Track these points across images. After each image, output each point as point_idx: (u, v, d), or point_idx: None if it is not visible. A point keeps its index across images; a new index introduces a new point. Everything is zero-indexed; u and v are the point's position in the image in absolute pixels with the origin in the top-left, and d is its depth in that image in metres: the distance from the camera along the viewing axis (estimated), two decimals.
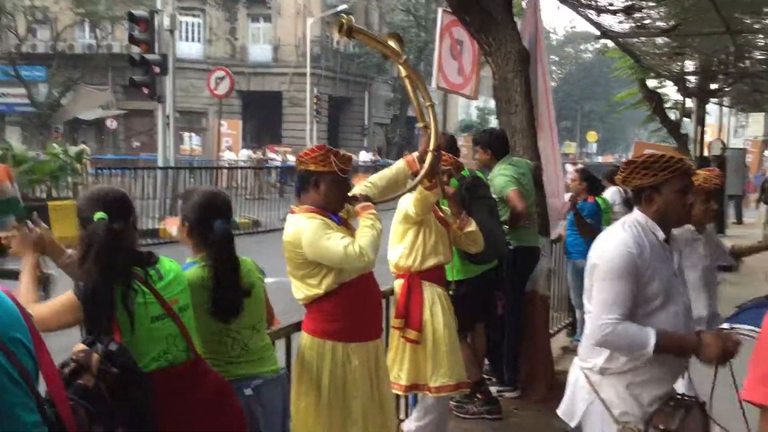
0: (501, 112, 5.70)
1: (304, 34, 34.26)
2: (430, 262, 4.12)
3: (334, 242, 3.08)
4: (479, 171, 5.03)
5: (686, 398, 2.59)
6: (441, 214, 4.27)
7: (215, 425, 2.48)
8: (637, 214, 2.63)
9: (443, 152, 3.88)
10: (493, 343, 5.06)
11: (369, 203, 3.32)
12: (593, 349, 2.61)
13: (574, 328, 7.14)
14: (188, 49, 35.26)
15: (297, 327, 3.37)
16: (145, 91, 13.66)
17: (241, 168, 20.25)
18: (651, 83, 13.61)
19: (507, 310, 5.12)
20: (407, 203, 4.02)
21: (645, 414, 2.53)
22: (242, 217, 15.13)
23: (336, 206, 3.31)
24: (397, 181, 3.71)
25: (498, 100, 5.74)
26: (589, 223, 6.66)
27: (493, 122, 26.64)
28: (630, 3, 7.11)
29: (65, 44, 33.62)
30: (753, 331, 3.17)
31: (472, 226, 4.23)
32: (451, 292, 4.30)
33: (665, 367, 2.52)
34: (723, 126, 21.38)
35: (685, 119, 14.70)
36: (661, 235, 2.58)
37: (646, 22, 7.84)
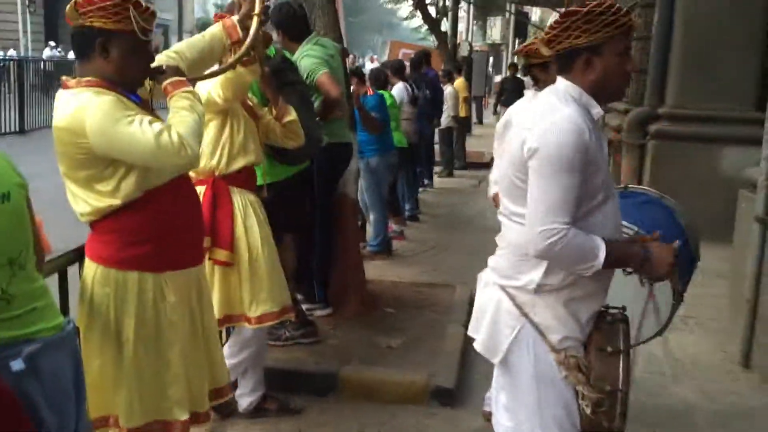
0: None
1: None
2: (239, 162, 3.26)
3: (140, 128, 2.12)
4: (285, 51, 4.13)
5: (614, 311, 2.12)
6: (249, 102, 3.39)
7: None
8: (566, 85, 2.01)
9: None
10: (300, 255, 4.34)
11: (182, 78, 2.37)
12: (523, 263, 2.01)
13: (364, 232, 6.69)
14: None
15: (77, 255, 2.35)
16: None
17: None
18: None
19: (316, 217, 4.42)
20: (211, 86, 3.07)
21: (584, 335, 2.02)
22: None
23: (134, 81, 2.33)
24: (212, 53, 2.79)
25: None
26: (376, 117, 6.16)
27: None
28: None
29: None
30: (630, 228, 2.82)
31: (292, 115, 3.41)
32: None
33: (601, 278, 2.01)
34: (469, 29, 22.24)
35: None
36: (598, 112, 2.00)
37: None
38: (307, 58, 4.18)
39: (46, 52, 25.53)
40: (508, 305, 2.04)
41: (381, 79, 7.05)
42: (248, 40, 2.72)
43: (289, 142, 3.47)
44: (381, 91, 6.83)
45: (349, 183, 4.68)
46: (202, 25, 42.01)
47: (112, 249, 2.29)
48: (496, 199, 3.34)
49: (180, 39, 40.60)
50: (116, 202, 2.24)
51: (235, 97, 3.10)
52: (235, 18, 2.80)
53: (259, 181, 3.55)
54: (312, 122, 3.86)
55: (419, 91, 8.97)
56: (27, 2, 28.29)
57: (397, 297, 5.00)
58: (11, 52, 24.68)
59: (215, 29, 2.80)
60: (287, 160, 3.75)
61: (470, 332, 2.21)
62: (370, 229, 6.45)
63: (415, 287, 5.28)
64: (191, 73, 2.62)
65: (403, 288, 5.25)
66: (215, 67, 2.87)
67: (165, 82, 2.33)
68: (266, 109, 3.47)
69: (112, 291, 2.29)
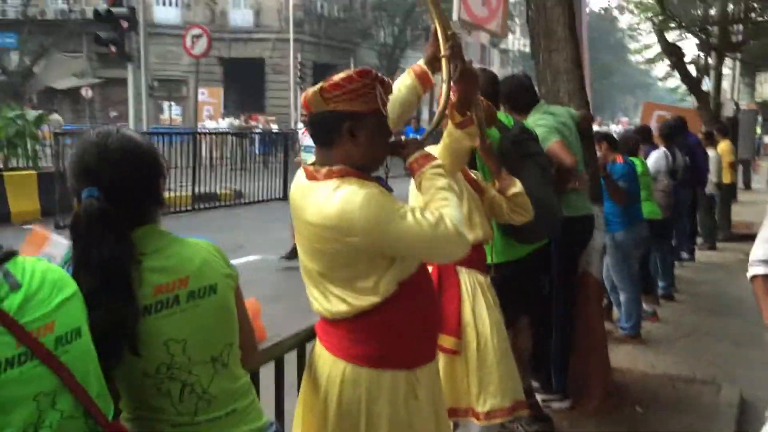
0: (538, 50, 4.57)
1: None
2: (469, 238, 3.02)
3: (414, 220, 1.95)
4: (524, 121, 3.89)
5: None
6: (471, 174, 3.16)
7: None
8: None
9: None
10: (537, 339, 3.98)
11: (427, 151, 2.19)
12: None
13: (609, 312, 6.10)
14: (166, 13, 33.81)
15: (298, 342, 2.26)
16: (113, 49, 12.32)
17: (217, 133, 18.76)
18: (669, 37, 12.47)
19: (555, 297, 4.05)
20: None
21: None
22: (224, 188, 14.05)
23: (379, 161, 2.16)
24: (410, 106, 2.58)
25: (534, 35, 4.61)
26: (623, 186, 5.62)
27: None
28: None
29: (36, 9, 32.11)
30: None
31: (517, 187, 3.10)
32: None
33: None
34: (734, 87, 20.32)
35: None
36: None
37: None
38: (537, 127, 3.90)
39: None
40: None
41: (630, 144, 6.49)
42: (444, 85, 2.43)
43: (516, 217, 3.16)
44: (631, 158, 6.28)
45: (592, 260, 4.25)
46: None
47: (366, 347, 2.10)
48: (757, 284, 2.76)
49: (431, 107, 42.54)
50: (376, 299, 2.06)
51: (453, 165, 2.84)
52: (422, 62, 2.59)
53: (491, 260, 3.30)
54: (551, 196, 3.55)
55: (678, 159, 8.17)
56: (298, 80, 31.42)
57: (649, 392, 4.39)
58: (300, 126, 27.24)
59: (407, 79, 2.59)
60: (524, 237, 3.46)
61: None
62: (617, 311, 5.85)
63: (671, 381, 4.62)
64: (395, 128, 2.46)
65: (655, 381, 4.61)
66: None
67: (411, 158, 2.16)
68: (490, 182, 3.21)
69: (365, 392, 2.10)
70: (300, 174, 2.14)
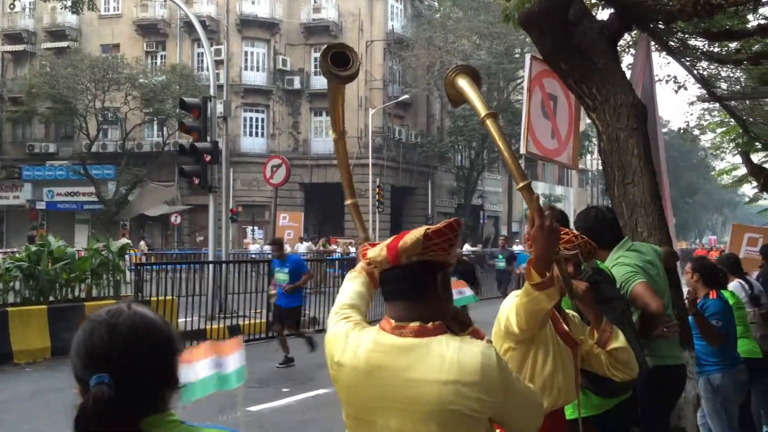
0: (612, 183, 4.36)
1: (365, 125, 34.05)
2: (544, 404, 2.69)
3: (524, 384, 1.99)
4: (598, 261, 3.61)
5: None
6: (563, 326, 2.83)
7: None
8: None
9: (563, 228, 2.58)
10: None
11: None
12: None
13: None
14: (252, 143, 35.56)
15: None
16: (195, 181, 12.81)
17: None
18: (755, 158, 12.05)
19: None
20: (507, 311, 2.65)
21: None
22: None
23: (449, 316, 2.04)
24: (370, 294, 2.33)
25: (608, 167, 4.42)
26: (716, 325, 5.13)
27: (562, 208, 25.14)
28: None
29: (134, 143, 34.31)
30: None
31: (620, 341, 2.77)
32: None
33: None
34: None
35: None
36: None
37: None
38: (619, 266, 3.58)
39: None
40: None
41: (717, 276, 5.97)
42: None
43: (618, 373, 2.79)
44: (722, 291, 5.79)
45: (685, 414, 3.81)
46: None
47: None
48: None
49: (509, 229, 42.20)
50: None
51: (532, 325, 2.58)
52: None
53: (570, 415, 2.94)
54: (634, 344, 3.20)
55: (755, 285, 7.53)
56: (377, 203, 32.06)
57: None
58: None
59: (360, 277, 2.34)
60: (603, 391, 3.11)
61: None
62: None
63: None
64: None
65: None
66: None
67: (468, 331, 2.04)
68: (587, 331, 2.88)
69: None
70: (372, 333, 1.95)
